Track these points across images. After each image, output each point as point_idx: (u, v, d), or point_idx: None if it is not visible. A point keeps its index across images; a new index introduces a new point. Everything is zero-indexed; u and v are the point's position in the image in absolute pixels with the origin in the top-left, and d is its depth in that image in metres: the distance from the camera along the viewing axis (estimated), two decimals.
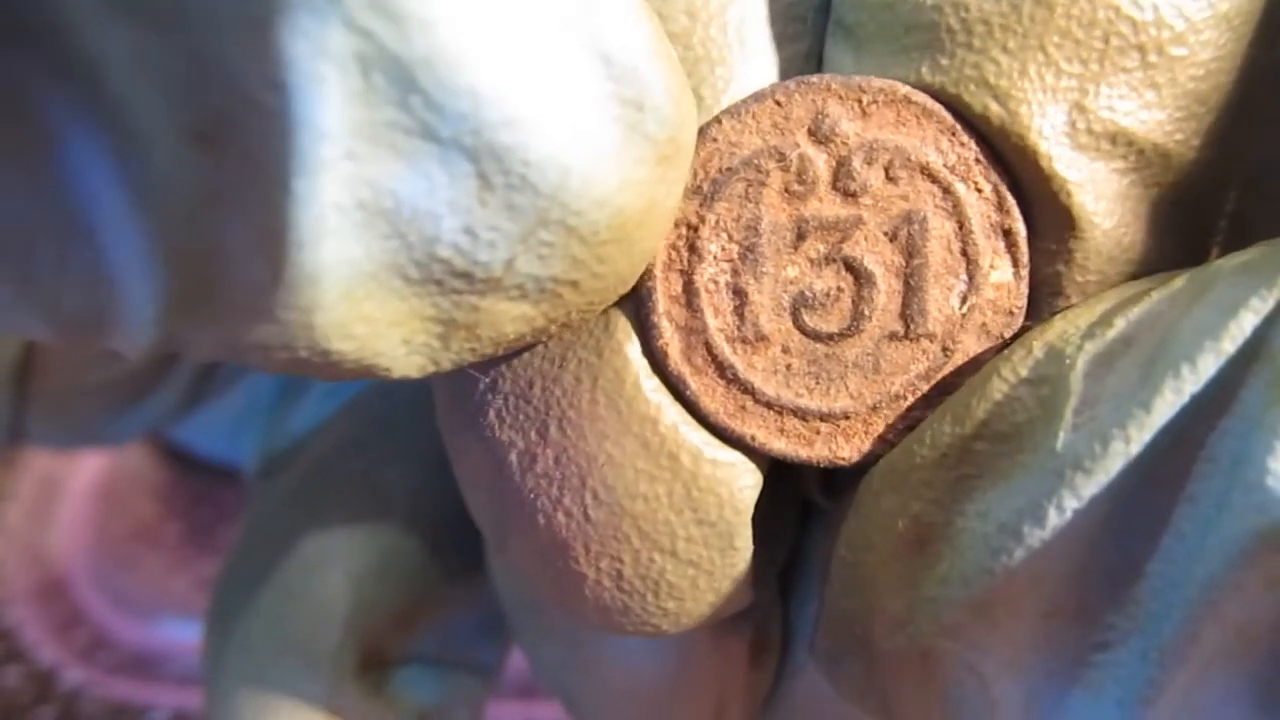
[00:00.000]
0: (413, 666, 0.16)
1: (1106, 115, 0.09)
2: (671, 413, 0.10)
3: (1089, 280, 0.10)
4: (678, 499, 0.10)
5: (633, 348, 0.10)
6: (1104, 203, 0.10)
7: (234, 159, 0.08)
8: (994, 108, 0.09)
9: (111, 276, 0.08)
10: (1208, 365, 0.08)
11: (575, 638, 0.13)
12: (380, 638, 0.15)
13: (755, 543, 0.11)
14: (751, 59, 0.10)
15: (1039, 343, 0.10)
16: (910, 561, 0.10)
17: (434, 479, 0.15)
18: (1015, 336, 0.10)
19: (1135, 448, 0.09)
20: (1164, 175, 0.10)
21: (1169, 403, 0.09)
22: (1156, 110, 0.09)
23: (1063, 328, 0.10)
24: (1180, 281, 0.09)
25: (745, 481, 0.10)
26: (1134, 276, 0.10)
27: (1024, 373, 0.09)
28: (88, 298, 0.08)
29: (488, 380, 0.10)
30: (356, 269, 0.08)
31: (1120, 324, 0.09)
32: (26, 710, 0.27)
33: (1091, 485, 0.09)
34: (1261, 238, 0.10)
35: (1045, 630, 0.09)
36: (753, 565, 0.11)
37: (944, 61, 0.10)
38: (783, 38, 0.10)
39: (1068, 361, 0.09)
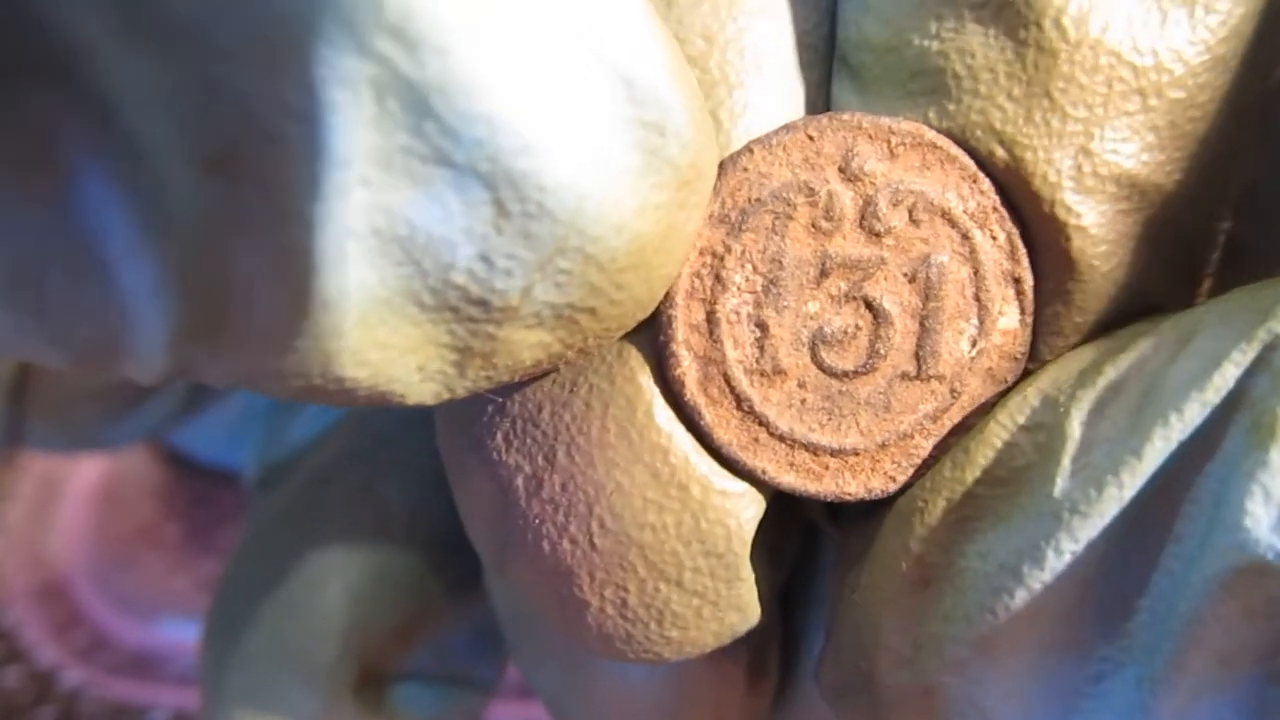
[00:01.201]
0: (410, 682, 0.16)
1: (1112, 159, 0.09)
2: (683, 443, 0.10)
3: (1087, 321, 0.10)
4: (686, 530, 0.10)
5: (646, 375, 0.10)
6: (1104, 246, 0.10)
7: (247, 187, 0.08)
8: (1000, 153, 0.10)
9: (123, 305, 0.08)
10: (1194, 414, 0.09)
11: (573, 660, 0.13)
12: (378, 652, 0.15)
13: (757, 568, 0.11)
14: (768, 84, 0.10)
15: (1033, 390, 0.10)
16: (913, 600, 0.10)
17: (433, 493, 0.15)
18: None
19: (1129, 492, 0.09)
20: (1162, 214, 0.10)
21: (1159, 449, 0.09)
22: (1158, 151, 0.10)
23: (1055, 376, 0.10)
24: (1165, 327, 0.10)
25: (750, 512, 0.10)
26: (1129, 314, 0.10)
27: (1021, 419, 0.10)
28: (100, 327, 0.08)
29: (495, 403, 0.10)
30: (371, 296, 0.08)
31: (1110, 372, 0.09)
32: (26, 710, 0.27)
33: (1087, 528, 0.09)
34: (1254, 256, 0.10)
35: (1043, 664, 0.09)
36: (756, 594, 0.11)
37: (950, 107, 0.10)
38: (798, 65, 0.10)
39: (1062, 409, 0.10)
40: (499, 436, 0.10)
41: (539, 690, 0.14)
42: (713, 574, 0.10)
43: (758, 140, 0.10)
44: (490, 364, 0.09)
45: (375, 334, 0.08)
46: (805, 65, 0.10)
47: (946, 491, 0.10)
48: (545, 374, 0.10)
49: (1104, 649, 0.09)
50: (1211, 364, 0.09)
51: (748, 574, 0.10)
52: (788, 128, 0.10)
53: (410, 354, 0.09)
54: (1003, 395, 0.10)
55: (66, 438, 0.20)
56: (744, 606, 0.10)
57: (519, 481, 0.10)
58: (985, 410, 0.10)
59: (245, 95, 0.07)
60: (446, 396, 0.09)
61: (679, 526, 0.10)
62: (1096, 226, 0.10)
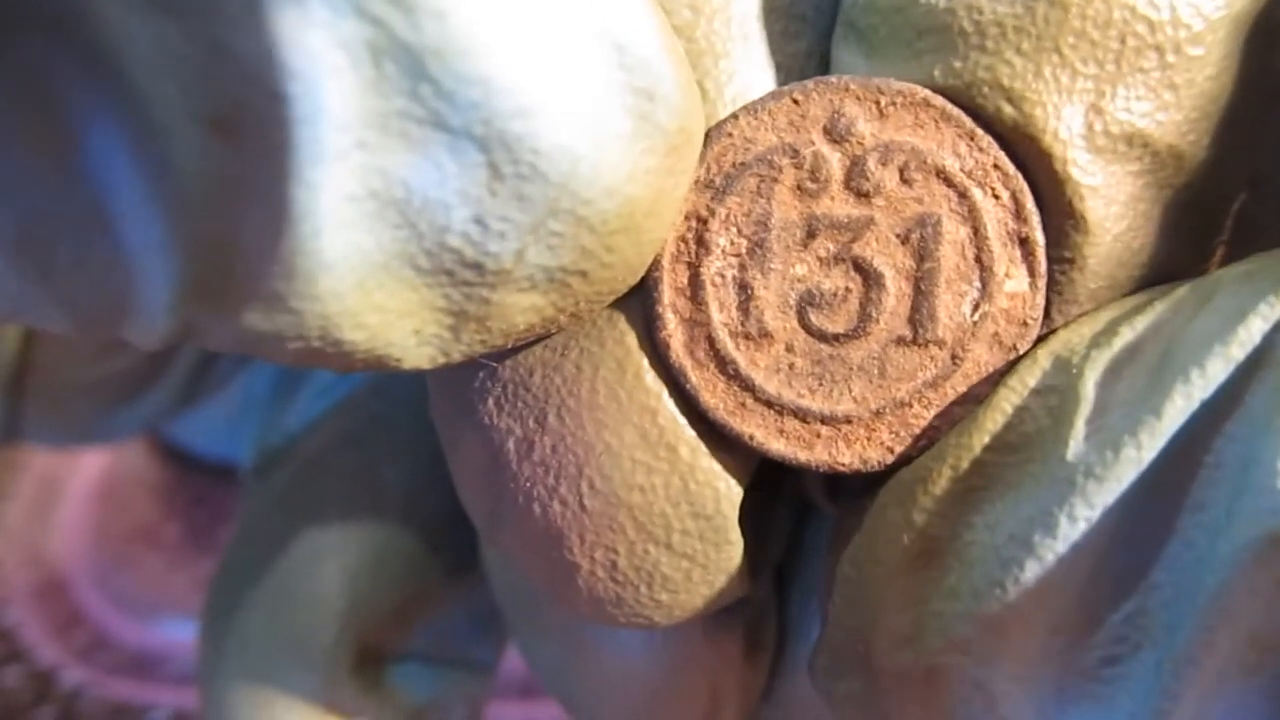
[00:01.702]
0: (409, 663, 0.16)
1: (1124, 117, 0.09)
2: (671, 404, 0.10)
3: (1100, 286, 0.10)
4: (674, 491, 0.10)
5: (634, 338, 0.10)
6: (1115, 207, 0.10)
7: (250, 148, 0.08)
8: (1008, 110, 0.09)
9: (129, 266, 0.08)
10: (1217, 370, 0.08)
11: (571, 635, 0.13)
12: (376, 634, 0.15)
13: (749, 537, 0.11)
14: (754, 54, 0.10)
15: (1044, 352, 0.10)
16: (916, 576, 0.10)
17: (429, 475, 0.15)
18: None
19: (1147, 454, 0.09)
20: (1176, 177, 0.10)
21: (1179, 408, 0.09)
22: (1174, 111, 0.09)
23: (1067, 338, 0.10)
24: (1183, 291, 0.09)
25: (739, 476, 0.10)
26: (1143, 279, 0.10)
27: (1031, 383, 0.09)
28: (106, 288, 0.08)
29: (487, 368, 0.10)
30: (368, 259, 0.08)
31: (1126, 333, 0.09)
32: (26, 710, 0.27)
33: (1104, 493, 0.09)
34: (1267, 235, 0.10)
35: (1055, 644, 0.09)
36: (746, 560, 0.11)
37: (957, 64, 0.09)
38: (785, 35, 0.10)
39: (1075, 371, 0.09)
40: (491, 401, 0.10)
41: (537, 668, 0.14)
42: (702, 536, 0.10)
43: (744, 107, 0.10)
44: (484, 328, 0.09)
45: (372, 297, 0.08)
46: (793, 35, 0.10)
47: (952, 460, 0.09)
48: (537, 339, 0.10)
49: (1120, 628, 0.09)
50: (1235, 318, 0.09)
51: (737, 538, 0.10)
52: (774, 94, 0.10)
53: (406, 317, 0.09)
54: (1013, 364, 0.10)
55: (64, 430, 0.20)
56: (734, 571, 0.10)
57: (510, 444, 0.10)
58: (994, 380, 0.10)
59: (247, 57, 0.07)
60: (441, 361, 0.09)
61: (667, 488, 0.10)
62: (1108, 187, 0.09)
